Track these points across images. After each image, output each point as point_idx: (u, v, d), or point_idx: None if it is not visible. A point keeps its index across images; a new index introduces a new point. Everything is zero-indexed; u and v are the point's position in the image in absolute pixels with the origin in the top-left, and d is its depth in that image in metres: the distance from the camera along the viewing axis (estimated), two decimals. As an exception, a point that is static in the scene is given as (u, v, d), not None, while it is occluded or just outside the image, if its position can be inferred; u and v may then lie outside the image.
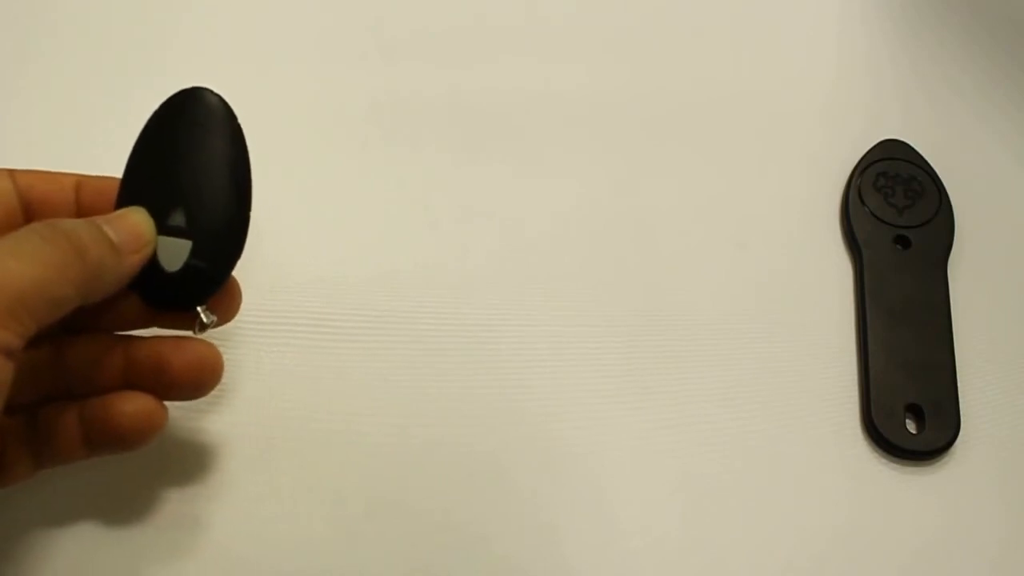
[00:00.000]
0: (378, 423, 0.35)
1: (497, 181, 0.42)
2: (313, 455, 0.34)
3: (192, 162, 0.30)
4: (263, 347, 0.37)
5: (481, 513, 0.34)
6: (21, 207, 0.30)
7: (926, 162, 0.43)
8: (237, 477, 0.34)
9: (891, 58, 0.48)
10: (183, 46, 0.45)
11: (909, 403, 0.37)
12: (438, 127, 0.43)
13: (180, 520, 0.33)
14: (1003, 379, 0.39)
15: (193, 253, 0.29)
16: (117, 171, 0.30)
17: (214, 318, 0.30)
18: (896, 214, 0.42)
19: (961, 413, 0.37)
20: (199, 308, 0.30)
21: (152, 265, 0.29)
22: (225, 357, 0.30)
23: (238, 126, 0.31)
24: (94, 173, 0.31)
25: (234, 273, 0.30)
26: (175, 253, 0.29)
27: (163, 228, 0.29)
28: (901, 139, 0.44)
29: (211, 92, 0.31)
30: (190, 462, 0.34)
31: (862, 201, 0.42)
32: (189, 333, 0.30)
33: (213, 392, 0.30)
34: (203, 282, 0.30)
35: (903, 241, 0.41)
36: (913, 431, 0.37)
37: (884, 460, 0.36)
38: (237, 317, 0.32)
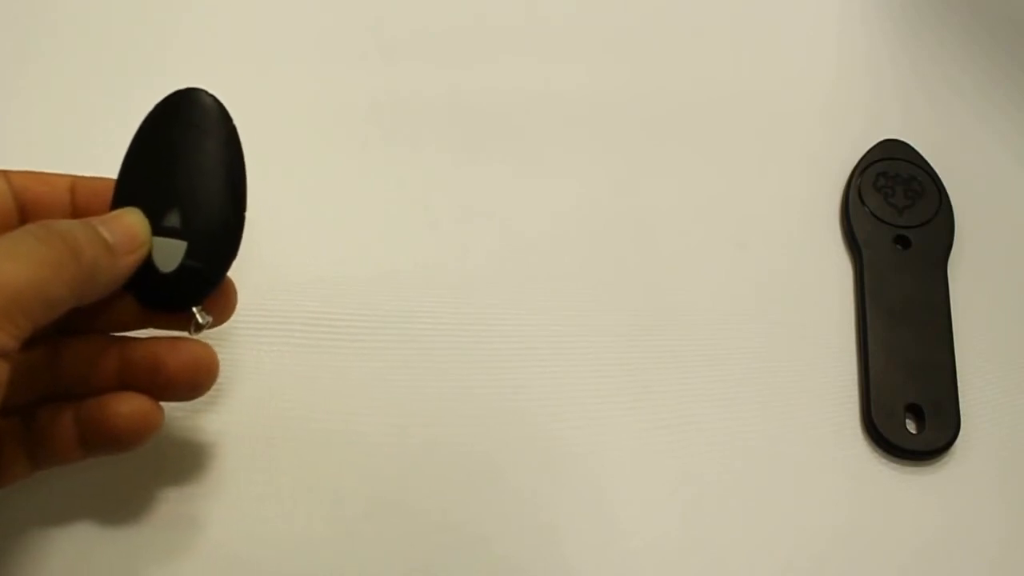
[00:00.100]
0: (377, 423, 0.35)
1: (497, 181, 0.42)
2: (312, 455, 0.34)
3: (187, 163, 0.30)
4: (262, 347, 0.37)
5: (480, 513, 0.34)
6: (16, 208, 0.30)
7: (926, 162, 0.43)
8: (235, 477, 0.34)
9: (891, 58, 0.48)
10: (183, 46, 0.45)
11: (909, 403, 0.37)
12: (438, 127, 0.43)
13: (177, 520, 0.33)
14: (1003, 379, 0.38)
15: (188, 254, 0.29)
16: (117, 171, 0.30)
17: (209, 319, 0.30)
18: (896, 214, 0.42)
19: (961, 413, 0.37)
20: (194, 309, 0.30)
21: (147, 266, 0.29)
22: (223, 356, 0.30)
23: (233, 127, 0.31)
24: (94, 173, 0.31)
25: (232, 273, 0.30)
26: (170, 254, 0.29)
27: (158, 229, 0.29)
28: (901, 139, 0.44)
29: (206, 93, 0.31)
30: (187, 462, 0.34)
31: (862, 201, 0.42)
32: (185, 334, 0.30)
33: (210, 392, 0.30)
34: (198, 283, 0.30)
35: (903, 241, 0.41)
36: (913, 431, 0.36)
37: (884, 460, 0.36)
38: (235, 317, 0.32)
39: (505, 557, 0.33)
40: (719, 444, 0.36)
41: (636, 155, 0.44)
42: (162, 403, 0.29)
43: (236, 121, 0.31)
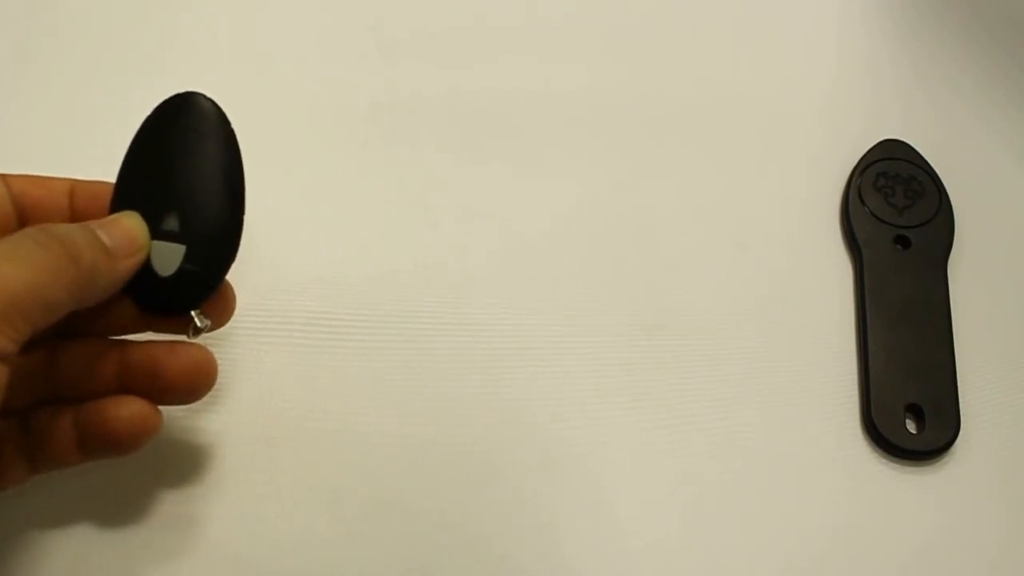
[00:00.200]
0: (377, 423, 0.35)
1: (497, 181, 0.42)
2: (311, 455, 0.34)
3: (186, 167, 0.30)
4: (262, 347, 0.37)
5: (479, 513, 0.34)
6: (15, 212, 0.30)
7: (926, 162, 0.43)
8: (235, 477, 0.34)
9: (891, 58, 0.48)
10: (183, 46, 0.45)
11: (909, 403, 0.37)
12: (438, 127, 0.43)
13: (176, 520, 0.33)
14: (1003, 379, 0.38)
15: (187, 258, 0.29)
16: (116, 171, 0.30)
17: (208, 322, 0.30)
18: (896, 214, 0.42)
19: (961, 413, 0.37)
20: (193, 312, 0.30)
21: (146, 270, 0.29)
22: (223, 357, 0.30)
23: (231, 131, 0.31)
24: (94, 173, 0.31)
25: (232, 273, 0.30)
26: (169, 258, 0.29)
27: (157, 233, 0.29)
28: (901, 139, 0.44)
29: (204, 97, 0.31)
30: (187, 462, 0.34)
31: (862, 201, 0.42)
32: (183, 337, 0.30)
33: (210, 392, 0.30)
34: (197, 286, 0.30)
35: (903, 241, 0.41)
36: (913, 431, 0.36)
37: (884, 460, 0.36)
38: (235, 317, 0.32)
39: (504, 557, 0.33)
40: (719, 444, 0.36)
41: (636, 155, 0.44)
42: (160, 406, 0.29)
43: (236, 121, 0.31)
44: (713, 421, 0.37)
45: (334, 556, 0.33)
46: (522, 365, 0.37)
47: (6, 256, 0.25)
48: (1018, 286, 0.41)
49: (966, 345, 0.38)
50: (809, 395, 0.38)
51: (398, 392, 0.36)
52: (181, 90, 0.31)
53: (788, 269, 0.41)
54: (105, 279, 0.27)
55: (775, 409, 0.37)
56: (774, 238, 0.42)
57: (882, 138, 0.44)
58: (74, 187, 0.31)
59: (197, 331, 0.30)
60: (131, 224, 0.29)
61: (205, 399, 0.31)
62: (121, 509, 0.33)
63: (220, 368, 0.30)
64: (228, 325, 0.32)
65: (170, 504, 0.33)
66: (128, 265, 0.28)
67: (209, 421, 0.35)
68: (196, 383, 0.30)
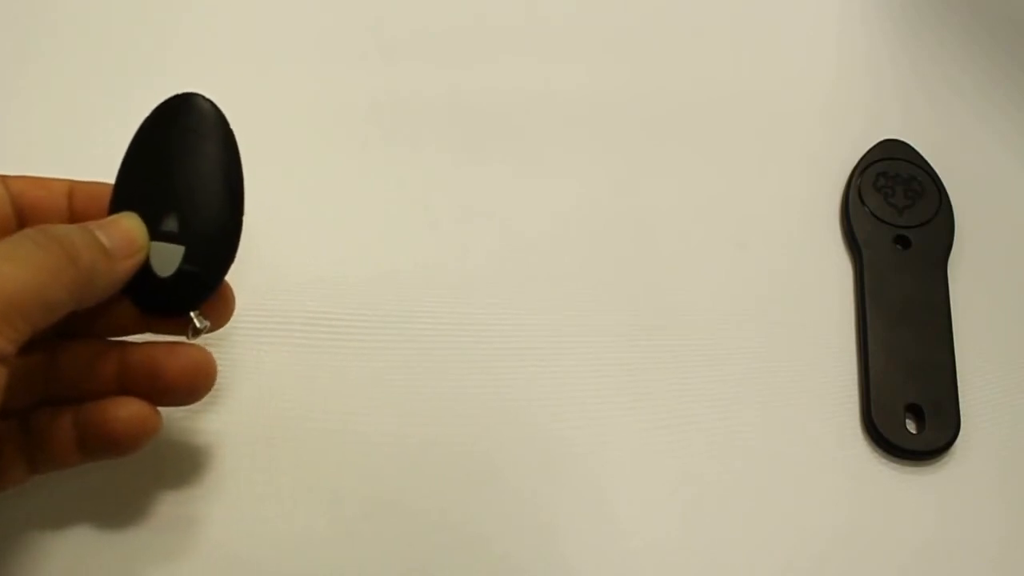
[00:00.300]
0: (377, 423, 0.35)
1: (497, 181, 0.42)
2: (311, 455, 0.34)
3: (185, 168, 0.30)
4: (262, 347, 0.37)
5: (479, 513, 0.34)
6: (14, 213, 0.30)
7: (926, 162, 0.43)
8: (235, 477, 0.34)
9: (891, 58, 0.48)
10: (183, 46, 0.45)
11: (909, 403, 0.37)
12: (438, 127, 0.43)
13: (177, 521, 0.33)
14: (1003, 379, 0.38)
15: (186, 258, 0.29)
16: (116, 171, 0.30)
17: (207, 323, 0.30)
18: (896, 214, 0.42)
19: (961, 413, 0.37)
20: (192, 313, 0.30)
21: (145, 270, 0.29)
22: (223, 357, 0.30)
23: (230, 131, 0.31)
24: (94, 173, 0.31)
25: (232, 273, 0.30)
26: (168, 258, 0.29)
27: (156, 234, 0.29)
28: (901, 139, 0.44)
29: (203, 98, 0.31)
30: (187, 463, 0.34)
31: (862, 201, 0.42)
32: (183, 338, 0.30)
33: (210, 392, 0.30)
34: (196, 287, 0.30)
35: (903, 241, 0.41)
36: (913, 431, 0.36)
37: (884, 460, 0.36)
38: (235, 317, 0.32)
39: (504, 557, 0.33)
40: (719, 444, 0.36)
41: (636, 155, 0.44)
42: (160, 407, 0.29)
43: (236, 122, 0.31)
44: (713, 421, 0.37)
45: (334, 556, 0.33)
46: (522, 365, 0.37)
47: (5, 256, 0.25)
48: (1018, 286, 0.41)
49: (966, 345, 0.38)
50: (809, 395, 0.38)
51: (398, 392, 0.36)
52: (181, 90, 0.31)
53: (788, 269, 0.41)
54: (104, 280, 0.27)
55: (775, 409, 0.37)
56: (774, 238, 0.42)
57: (882, 138, 0.44)
58: (73, 188, 0.31)
59: (196, 332, 0.30)
60: (130, 225, 0.29)
61: (205, 399, 0.31)
62: (121, 509, 0.33)
63: (220, 368, 0.30)
64: (228, 325, 0.32)
65: (170, 505, 0.33)
66: (127, 266, 0.28)
67: (209, 421, 0.35)
68: (196, 384, 0.30)
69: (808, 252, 0.41)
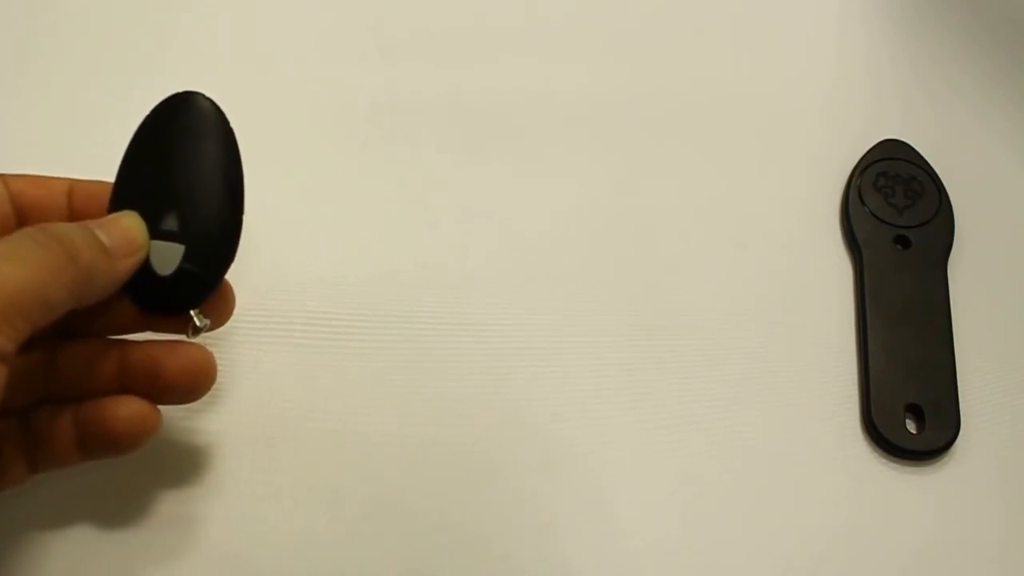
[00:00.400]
0: (377, 423, 0.35)
1: (497, 181, 0.42)
2: (311, 455, 0.34)
3: (185, 166, 0.30)
4: (262, 347, 0.37)
5: (479, 513, 0.34)
6: (13, 212, 0.30)
7: (926, 162, 0.43)
8: (234, 477, 0.34)
9: (891, 58, 0.48)
10: (183, 46, 0.45)
11: (909, 403, 0.37)
12: (438, 127, 0.43)
13: (176, 520, 0.33)
14: (1003, 379, 0.38)
15: (186, 257, 0.29)
16: (115, 172, 0.30)
17: (207, 322, 0.30)
18: (896, 214, 0.42)
19: (961, 413, 0.37)
20: (192, 312, 0.30)
21: (145, 269, 0.29)
22: (223, 357, 0.30)
23: (230, 130, 0.31)
24: (94, 173, 0.31)
25: (232, 273, 0.30)
26: (168, 257, 0.29)
27: (156, 232, 0.29)
28: (901, 139, 0.44)
29: (203, 96, 0.31)
30: (186, 462, 0.34)
31: (862, 201, 0.42)
32: (183, 337, 0.30)
33: (210, 392, 0.30)
34: (196, 286, 0.30)
35: (903, 241, 0.41)
36: (913, 431, 0.36)
37: (884, 460, 0.36)
38: (235, 317, 0.32)
39: (504, 557, 0.33)
40: (719, 444, 0.36)
41: (636, 155, 0.44)
42: (160, 406, 0.29)
43: (236, 122, 0.31)
44: (713, 421, 0.37)
45: (334, 556, 0.33)
46: (522, 365, 0.37)
47: (5, 255, 0.25)
48: (1018, 286, 0.41)
49: (966, 345, 0.38)
50: (809, 395, 0.38)
51: (398, 392, 0.36)
52: (181, 90, 0.31)
53: (788, 269, 0.41)
54: (104, 278, 0.27)
55: (775, 409, 0.37)
56: (774, 238, 0.42)
57: (882, 138, 0.44)
58: (73, 187, 0.31)
59: (196, 331, 0.30)
60: (130, 224, 0.29)
61: (205, 399, 0.31)
62: (121, 509, 0.33)
63: (220, 368, 0.30)
64: (228, 325, 0.32)
65: (170, 504, 0.33)
66: (127, 265, 0.28)
67: (209, 421, 0.35)
68: (196, 383, 0.30)
69: (808, 252, 0.42)
